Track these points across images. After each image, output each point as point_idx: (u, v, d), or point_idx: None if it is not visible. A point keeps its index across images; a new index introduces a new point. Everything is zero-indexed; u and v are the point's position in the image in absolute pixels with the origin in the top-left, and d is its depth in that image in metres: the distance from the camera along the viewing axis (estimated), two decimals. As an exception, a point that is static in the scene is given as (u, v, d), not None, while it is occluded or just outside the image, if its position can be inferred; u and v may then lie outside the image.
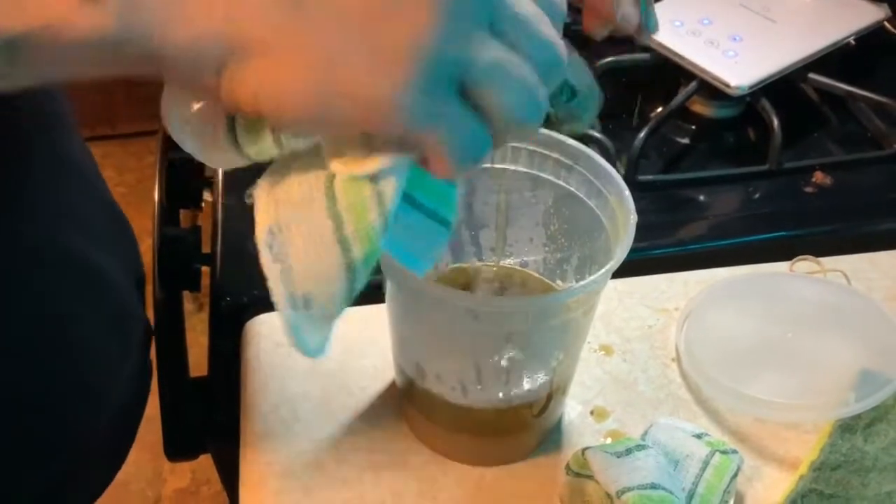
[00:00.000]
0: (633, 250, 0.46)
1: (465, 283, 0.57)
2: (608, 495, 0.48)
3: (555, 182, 0.52)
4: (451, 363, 0.50)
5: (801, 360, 0.59)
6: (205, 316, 0.67)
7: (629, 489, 0.47)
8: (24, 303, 0.51)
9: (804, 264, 0.67)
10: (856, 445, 0.54)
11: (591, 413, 0.58)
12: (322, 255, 0.33)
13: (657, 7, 0.85)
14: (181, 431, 0.70)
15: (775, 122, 0.76)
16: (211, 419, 0.69)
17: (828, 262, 0.67)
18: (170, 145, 0.78)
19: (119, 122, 2.06)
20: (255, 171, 0.37)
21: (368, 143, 0.33)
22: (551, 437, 0.56)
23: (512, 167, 0.53)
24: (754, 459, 0.55)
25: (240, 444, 0.56)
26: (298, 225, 0.34)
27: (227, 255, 0.67)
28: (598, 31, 0.46)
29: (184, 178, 0.80)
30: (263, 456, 0.54)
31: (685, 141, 0.81)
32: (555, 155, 0.51)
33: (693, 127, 0.82)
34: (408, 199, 0.36)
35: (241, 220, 0.69)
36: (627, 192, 0.49)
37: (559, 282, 0.57)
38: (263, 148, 0.34)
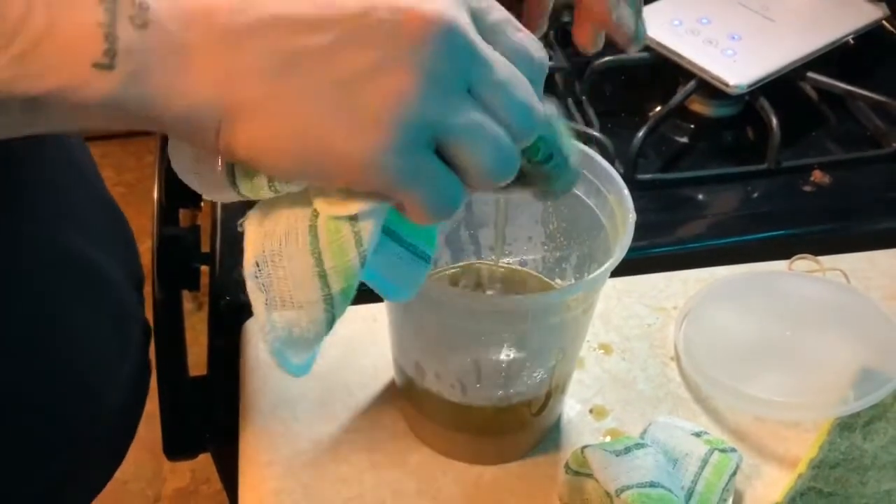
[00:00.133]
0: (631, 249, 0.46)
1: (464, 282, 0.57)
2: (607, 494, 0.48)
3: (554, 181, 0.52)
4: (451, 362, 0.50)
5: (800, 359, 0.59)
6: (204, 315, 0.67)
7: (628, 487, 0.47)
8: (24, 302, 0.51)
9: (803, 263, 0.67)
10: (855, 444, 0.55)
11: (591, 411, 0.58)
12: (303, 288, 0.36)
13: (656, 6, 0.85)
14: (180, 431, 0.70)
15: (774, 121, 0.76)
16: (210, 418, 0.69)
17: (827, 260, 0.67)
18: (169, 145, 0.78)
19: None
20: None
21: (350, 188, 0.35)
22: (550, 436, 0.56)
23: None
24: (753, 458, 0.55)
25: (239, 444, 0.56)
26: (282, 258, 0.36)
27: (227, 255, 0.67)
28: (590, 41, 0.46)
29: (183, 178, 0.80)
30: (263, 455, 0.54)
31: (684, 140, 0.81)
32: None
33: (692, 126, 0.82)
34: (389, 233, 0.38)
35: (240, 220, 0.69)
36: (626, 192, 0.49)
37: (558, 280, 0.57)
38: (259, 191, 0.36)
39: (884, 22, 0.87)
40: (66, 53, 0.30)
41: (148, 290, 0.68)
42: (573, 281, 0.55)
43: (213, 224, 0.70)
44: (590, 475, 0.50)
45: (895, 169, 0.77)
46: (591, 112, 0.79)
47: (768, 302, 0.63)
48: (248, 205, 0.38)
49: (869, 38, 0.87)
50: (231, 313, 0.63)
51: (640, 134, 0.74)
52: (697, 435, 0.52)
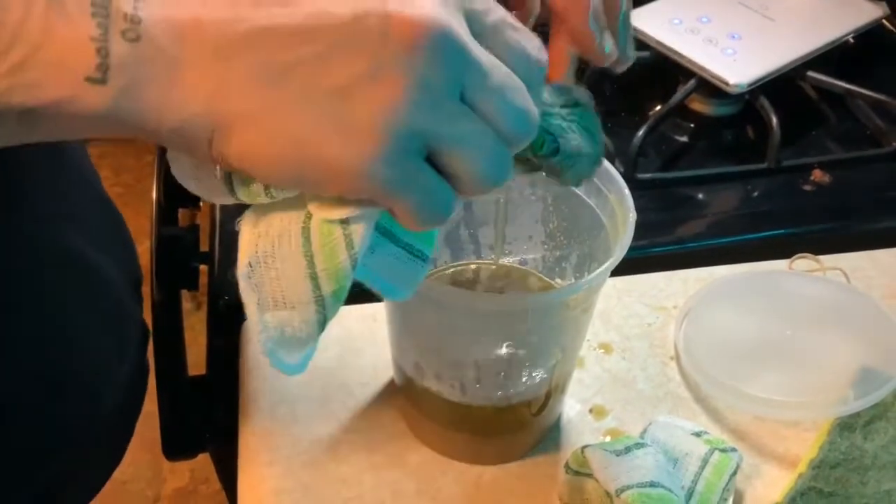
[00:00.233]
0: (632, 248, 0.46)
1: (464, 281, 0.57)
2: (607, 493, 0.48)
3: (554, 180, 0.52)
4: (450, 362, 0.50)
5: (801, 359, 0.59)
6: (203, 315, 0.67)
7: (628, 487, 0.47)
8: (22, 302, 0.51)
9: (803, 262, 0.67)
10: (855, 443, 0.54)
11: (591, 411, 0.58)
12: (294, 289, 0.36)
13: (656, 5, 0.85)
14: (180, 431, 0.69)
15: (774, 119, 0.76)
16: (209, 418, 0.69)
17: (827, 260, 0.67)
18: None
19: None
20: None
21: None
22: (550, 436, 0.56)
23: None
24: (753, 457, 0.55)
25: (238, 444, 0.56)
26: (275, 259, 0.37)
27: (226, 254, 0.66)
28: (563, 64, 0.45)
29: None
30: (262, 455, 0.54)
31: (684, 139, 0.81)
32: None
33: (692, 125, 0.82)
34: (386, 233, 0.38)
35: (237, 219, 0.69)
36: (627, 191, 0.49)
37: (558, 280, 0.56)
38: (256, 197, 0.37)
39: (884, 21, 0.87)
40: (60, 67, 0.30)
41: (147, 289, 0.68)
42: (573, 280, 0.55)
43: (212, 224, 0.70)
44: (590, 475, 0.49)
45: (895, 168, 0.77)
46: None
47: (768, 301, 0.63)
48: (246, 205, 0.38)
49: (869, 37, 0.86)
50: (230, 313, 0.63)
51: (640, 133, 0.74)
52: (697, 434, 0.52)
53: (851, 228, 0.73)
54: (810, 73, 0.81)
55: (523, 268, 0.57)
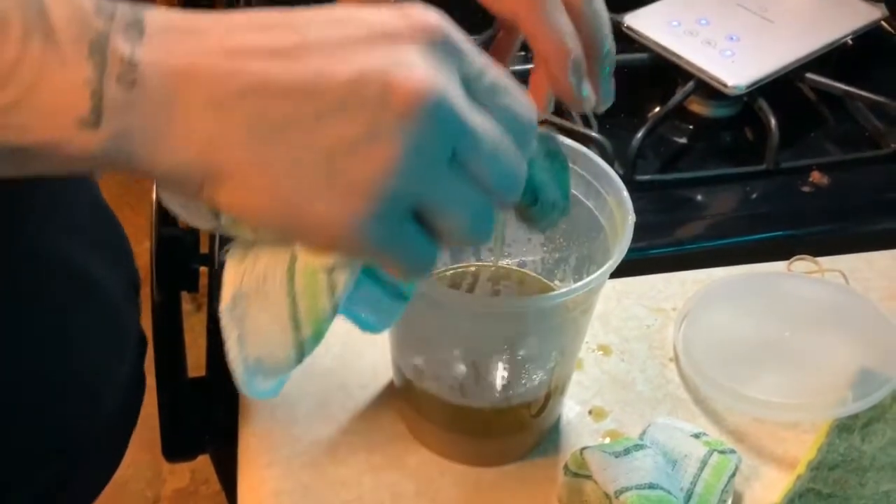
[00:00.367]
0: (630, 250, 0.46)
1: (463, 283, 0.57)
2: (606, 495, 0.48)
3: (553, 182, 0.52)
4: (450, 363, 0.50)
5: (799, 360, 0.59)
6: (203, 316, 0.67)
7: (627, 489, 0.47)
8: (19, 309, 0.51)
9: (802, 264, 0.67)
10: (853, 445, 0.55)
11: (590, 413, 0.58)
12: (275, 328, 0.37)
13: (655, 6, 0.85)
14: (179, 432, 0.69)
15: (773, 121, 0.76)
16: (209, 420, 0.69)
17: (825, 261, 0.67)
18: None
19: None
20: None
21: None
22: (549, 437, 0.56)
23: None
24: (752, 459, 0.55)
25: (238, 445, 0.56)
26: (258, 297, 0.37)
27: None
28: (544, 106, 0.44)
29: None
30: (262, 457, 0.54)
31: (683, 141, 0.81)
32: (553, 155, 0.51)
33: (690, 127, 0.82)
34: (370, 274, 0.39)
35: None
36: (626, 193, 0.49)
37: (557, 282, 0.57)
38: (243, 234, 0.37)
39: (882, 22, 0.87)
40: (52, 110, 0.30)
41: (147, 291, 0.68)
42: (572, 282, 0.55)
43: (212, 225, 0.70)
44: (589, 477, 0.50)
45: (894, 169, 0.77)
46: (589, 113, 0.79)
47: (767, 303, 0.63)
48: None
49: (867, 38, 0.87)
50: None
51: (639, 135, 0.74)
52: (696, 436, 0.53)
53: (850, 230, 0.73)
54: (809, 75, 0.81)
55: (522, 270, 0.57)
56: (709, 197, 0.75)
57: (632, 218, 0.47)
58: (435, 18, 0.33)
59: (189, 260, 0.73)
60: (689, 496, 0.50)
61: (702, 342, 0.60)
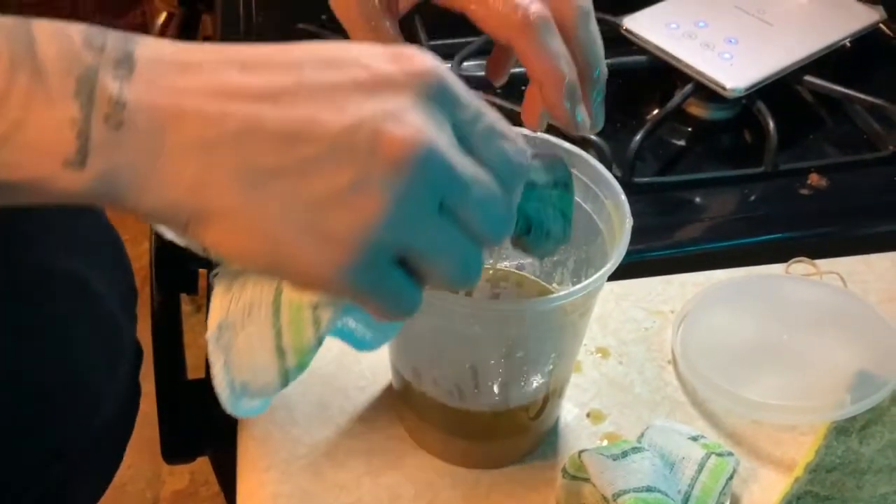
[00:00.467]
0: (629, 252, 0.46)
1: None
2: (604, 498, 0.48)
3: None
4: (448, 367, 0.50)
5: (797, 363, 0.59)
6: (202, 317, 0.67)
7: (625, 492, 0.47)
8: (25, 319, 0.52)
9: (800, 266, 0.67)
10: (851, 447, 0.55)
11: (588, 415, 0.58)
12: (260, 357, 0.38)
13: (653, 9, 0.85)
14: (179, 433, 0.70)
15: (771, 124, 0.76)
16: (209, 422, 0.69)
17: (823, 264, 0.67)
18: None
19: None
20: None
21: None
22: (548, 440, 0.56)
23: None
24: (750, 461, 0.56)
25: (237, 448, 0.57)
26: (244, 326, 0.38)
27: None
28: (537, 125, 0.45)
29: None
30: (261, 460, 0.54)
31: (681, 143, 0.81)
32: (551, 159, 0.52)
33: (689, 129, 0.82)
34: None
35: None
36: (623, 197, 0.49)
37: (555, 284, 0.57)
38: (230, 266, 0.38)
39: (881, 25, 0.87)
40: (37, 149, 0.30)
41: (146, 292, 0.68)
42: (570, 285, 0.55)
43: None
44: (587, 479, 0.50)
45: (892, 172, 0.78)
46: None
47: (765, 305, 0.63)
48: None
49: (866, 41, 0.87)
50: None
51: (638, 137, 0.74)
52: (694, 439, 0.53)
53: (848, 232, 0.73)
54: (807, 78, 0.81)
55: (521, 273, 0.57)
56: (707, 199, 0.75)
57: (629, 222, 0.47)
58: (430, 64, 0.33)
59: (188, 262, 0.74)
60: (686, 499, 0.50)
61: (700, 345, 0.60)
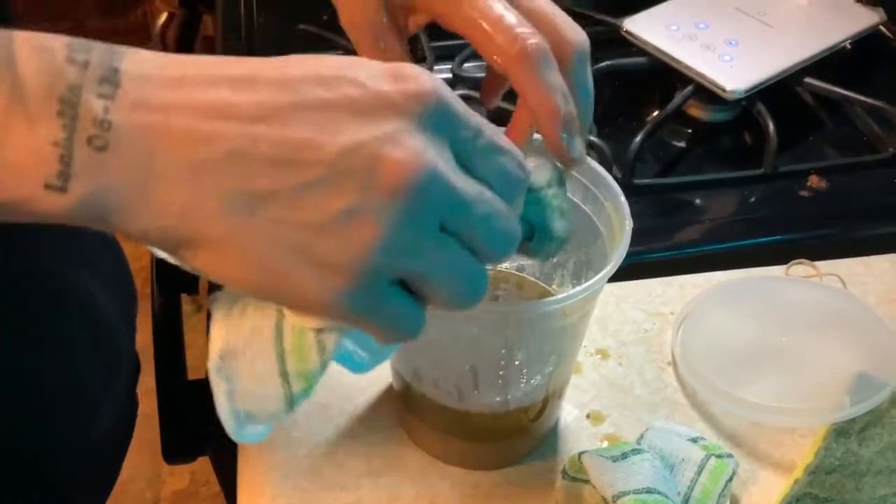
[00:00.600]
0: (629, 254, 0.46)
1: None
2: (604, 500, 0.48)
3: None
4: (448, 368, 0.50)
5: (797, 364, 0.59)
6: (203, 318, 0.67)
7: (625, 493, 0.47)
8: (30, 329, 0.52)
9: (800, 268, 0.68)
10: (850, 449, 0.55)
11: (588, 417, 0.58)
12: (265, 384, 0.37)
13: (654, 10, 0.85)
14: (179, 434, 0.70)
15: (771, 125, 0.76)
16: (209, 422, 0.69)
17: (823, 265, 0.67)
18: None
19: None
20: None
21: None
22: (547, 442, 0.56)
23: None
24: (750, 463, 0.56)
25: (238, 449, 0.57)
26: (246, 353, 0.37)
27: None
28: (523, 144, 0.43)
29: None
30: (261, 461, 0.55)
31: (681, 144, 0.81)
32: (551, 161, 0.52)
33: (689, 130, 0.82)
34: None
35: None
36: (623, 199, 0.49)
37: (555, 286, 0.57)
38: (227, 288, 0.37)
39: (881, 27, 0.87)
40: (16, 171, 0.28)
41: (147, 293, 0.68)
42: (570, 287, 0.55)
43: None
44: (587, 481, 0.50)
45: (892, 174, 0.78)
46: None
47: (765, 307, 0.63)
48: None
49: (866, 43, 0.87)
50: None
51: (638, 139, 0.74)
52: (694, 440, 0.53)
53: (848, 234, 0.73)
54: (807, 80, 0.81)
55: (521, 275, 0.57)
56: (707, 201, 0.75)
57: (629, 224, 0.48)
58: (429, 85, 0.31)
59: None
60: (686, 500, 0.50)
61: (700, 346, 0.60)
